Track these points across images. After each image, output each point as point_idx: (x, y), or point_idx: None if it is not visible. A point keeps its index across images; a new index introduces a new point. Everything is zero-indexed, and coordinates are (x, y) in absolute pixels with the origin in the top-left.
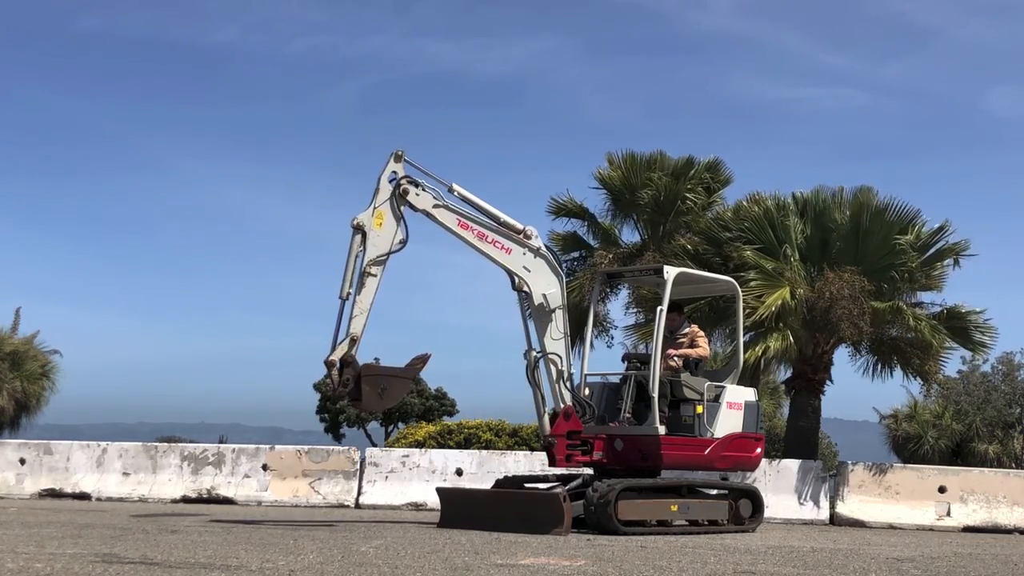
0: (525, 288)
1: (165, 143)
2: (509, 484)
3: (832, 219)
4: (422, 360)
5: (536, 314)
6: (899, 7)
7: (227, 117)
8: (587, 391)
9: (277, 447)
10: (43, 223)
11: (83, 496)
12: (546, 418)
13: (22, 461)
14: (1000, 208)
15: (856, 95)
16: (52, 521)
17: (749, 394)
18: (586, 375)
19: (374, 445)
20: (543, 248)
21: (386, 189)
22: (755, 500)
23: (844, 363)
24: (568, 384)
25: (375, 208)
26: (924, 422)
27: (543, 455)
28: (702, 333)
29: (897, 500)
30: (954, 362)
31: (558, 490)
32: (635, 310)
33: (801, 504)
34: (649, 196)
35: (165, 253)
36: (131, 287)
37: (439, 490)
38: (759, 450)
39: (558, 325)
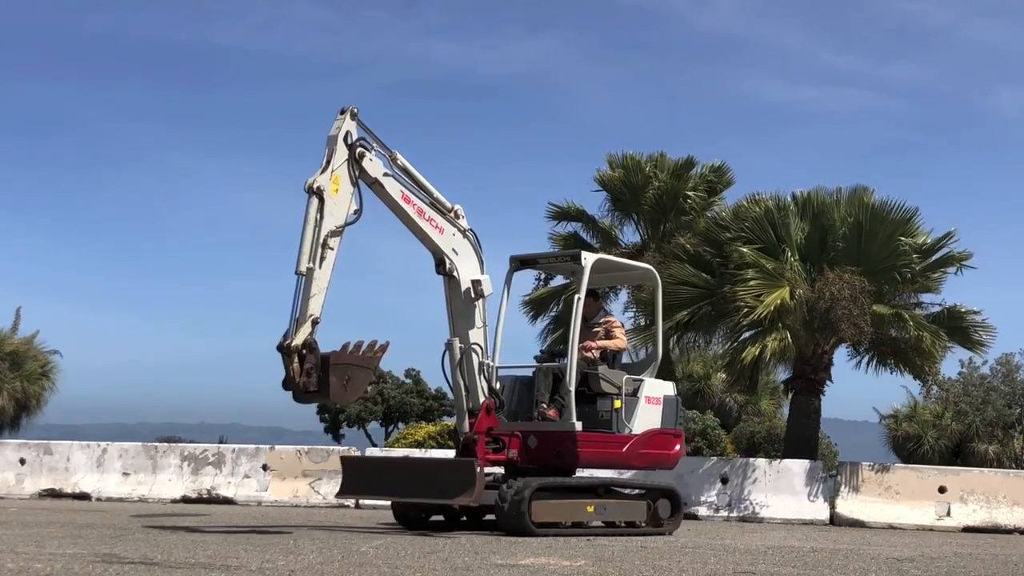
0: (454, 272)
1: (168, 142)
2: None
3: (832, 219)
4: (381, 349)
5: (460, 301)
6: (904, 7)
7: (231, 117)
8: (498, 385)
9: (277, 447)
10: (45, 222)
11: (83, 496)
12: (467, 414)
13: (22, 461)
14: (1005, 208)
15: (861, 95)
16: (52, 521)
17: (668, 388)
18: (497, 368)
19: (374, 445)
20: (469, 230)
21: (342, 151)
22: (674, 500)
23: (844, 363)
24: (486, 377)
25: (332, 171)
26: (924, 422)
27: None
28: (619, 323)
29: (897, 500)
30: (954, 363)
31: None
32: (633, 312)
33: (801, 504)
34: (650, 196)
35: (166, 252)
36: (131, 286)
37: (343, 458)
38: (678, 447)
39: (480, 314)
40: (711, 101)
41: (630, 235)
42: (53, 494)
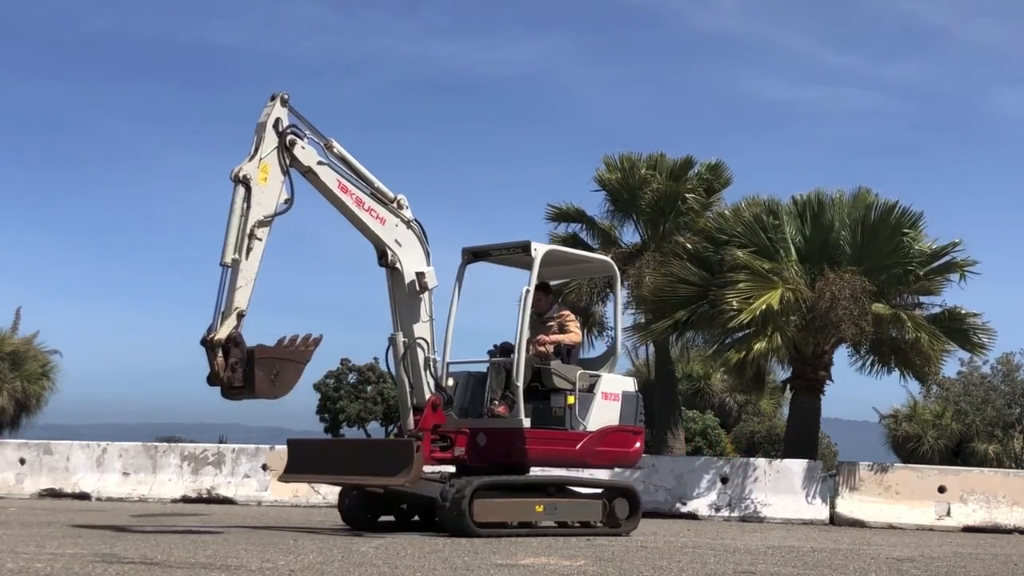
0: (397, 264)
1: (168, 140)
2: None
3: (833, 220)
4: (314, 342)
5: (404, 294)
6: (904, 7)
7: (233, 115)
8: (450, 381)
9: (277, 447)
10: (45, 219)
11: (83, 496)
12: (411, 411)
13: (22, 461)
14: (1006, 207)
15: (862, 96)
16: (52, 521)
17: (628, 384)
18: (448, 363)
19: None
20: (414, 220)
21: (271, 138)
22: (632, 499)
23: (844, 363)
24: (432, 372)
25: (260, 159)
26: (924, 422)
27: None
28: (573, 317)
29: (897, 500)
30: (954, 363)
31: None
32: (634, 310)
33: (801, 504)
34: (649, 197)
35: (166, 250)
36: (131, 284)
37: (288, 441)
38: (638, 444)
39: (426, 307)
40: (711, 101)
41: (630, 235)
42: (53, 494)
